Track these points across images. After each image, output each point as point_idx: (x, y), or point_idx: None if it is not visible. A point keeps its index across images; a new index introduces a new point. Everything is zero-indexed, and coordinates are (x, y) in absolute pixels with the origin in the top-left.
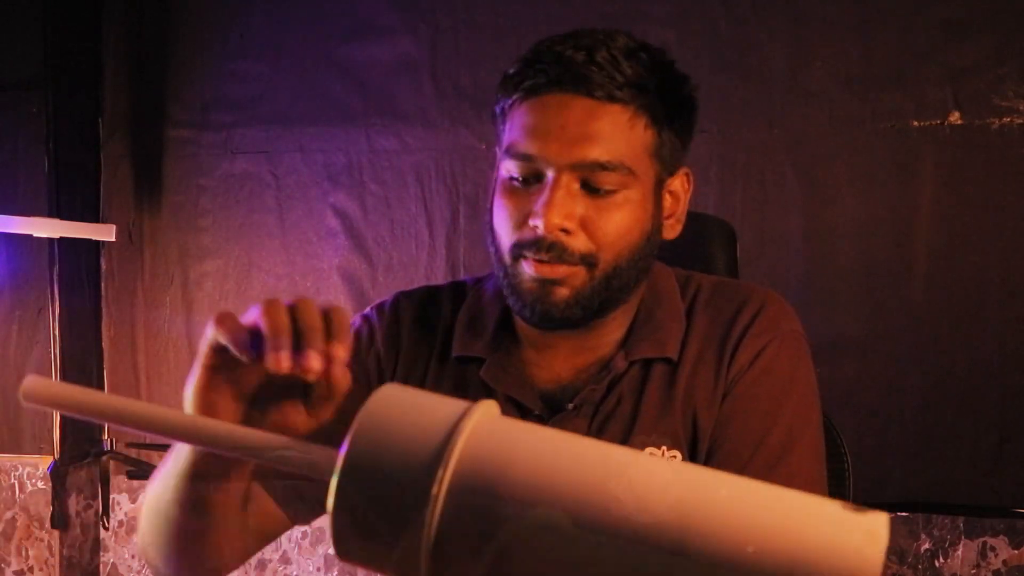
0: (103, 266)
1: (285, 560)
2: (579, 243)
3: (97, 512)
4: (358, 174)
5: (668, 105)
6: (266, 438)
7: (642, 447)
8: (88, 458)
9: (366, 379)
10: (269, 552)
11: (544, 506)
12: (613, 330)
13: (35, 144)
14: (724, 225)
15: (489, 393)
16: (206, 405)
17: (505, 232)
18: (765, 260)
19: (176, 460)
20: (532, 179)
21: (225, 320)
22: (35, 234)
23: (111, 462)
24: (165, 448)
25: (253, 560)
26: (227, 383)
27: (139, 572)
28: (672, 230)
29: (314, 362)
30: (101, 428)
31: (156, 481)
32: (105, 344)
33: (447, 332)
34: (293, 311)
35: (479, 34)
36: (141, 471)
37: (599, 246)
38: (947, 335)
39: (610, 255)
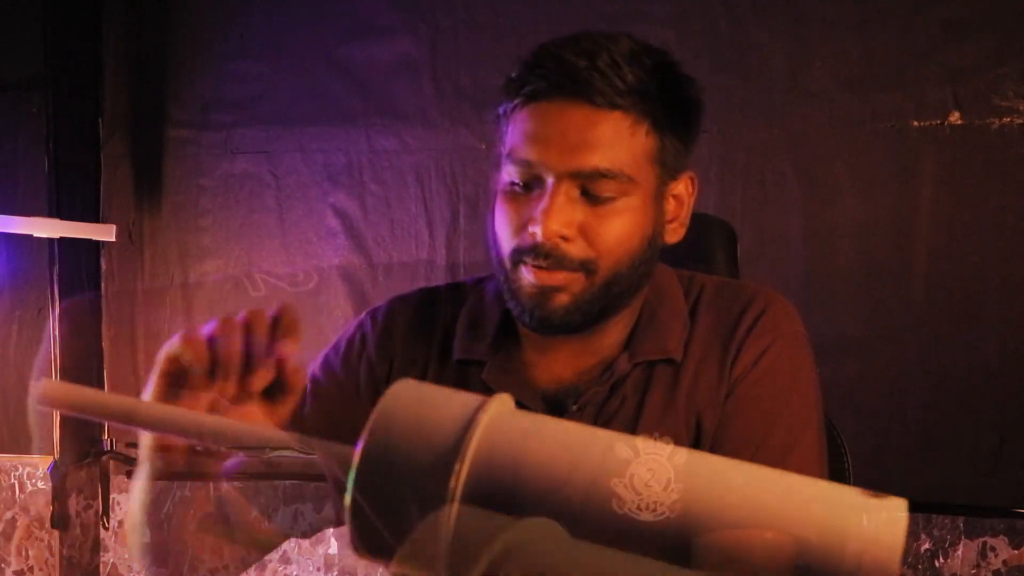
0: (103, 266)
1: (285, 560)
2: (578, 250)
3: (97, 512)
4: (358, 174)
5: (671, 110)
6: (289, 437)
7: None
8: (88, 458)
9: (356, 386)
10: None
11: (557, 496)
12: (615, 332)
13: (35, 144)
14: (724, 225)
15: (490, 395)
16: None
17: (505, 237)
18: (765, 260)
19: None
20: (533, 184)
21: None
22: (35, 234)
23: (111, 462)
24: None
25: None
26: (183, 387)
27: (139, 572)
28: (675, 234)
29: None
30: (101, 428)
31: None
32: (105, 344)
33: (447, 335)
34: (225, 338)
35: (479, 34)
36: None
37: (598, 253)
38: (947, 335)
39: (610, 262)
